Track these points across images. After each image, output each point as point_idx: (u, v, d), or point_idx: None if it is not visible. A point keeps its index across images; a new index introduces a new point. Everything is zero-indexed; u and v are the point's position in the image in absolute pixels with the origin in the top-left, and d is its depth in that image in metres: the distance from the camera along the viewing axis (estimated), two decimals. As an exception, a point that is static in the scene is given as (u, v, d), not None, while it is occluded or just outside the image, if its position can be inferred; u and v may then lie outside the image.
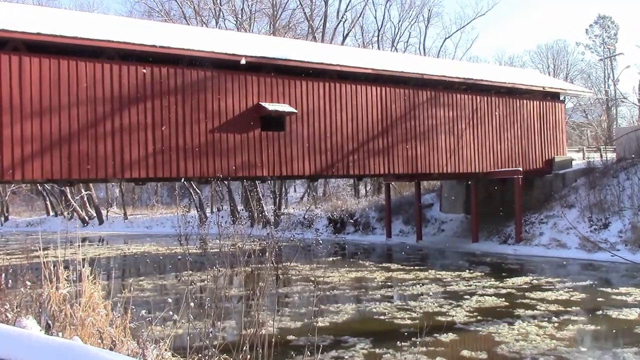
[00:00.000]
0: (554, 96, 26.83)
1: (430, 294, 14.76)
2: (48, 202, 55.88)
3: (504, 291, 14.89)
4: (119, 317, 6.91)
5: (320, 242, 23.02)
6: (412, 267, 19.63)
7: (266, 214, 37.32)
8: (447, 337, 10.50)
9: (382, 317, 12.38)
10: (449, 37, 62.59)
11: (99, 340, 6.36)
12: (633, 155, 24.08)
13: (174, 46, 16.18)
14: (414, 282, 16.70)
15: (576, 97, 45.54)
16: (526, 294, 14.46)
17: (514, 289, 15.15)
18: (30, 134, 14.13)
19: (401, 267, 19.89)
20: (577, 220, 22.54)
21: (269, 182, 34.46)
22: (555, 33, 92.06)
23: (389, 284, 16.80)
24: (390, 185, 31.10)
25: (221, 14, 44.14)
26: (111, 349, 6.15)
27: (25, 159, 14.10)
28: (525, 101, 25.33)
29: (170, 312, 6.76)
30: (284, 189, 42.19)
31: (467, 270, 18.50)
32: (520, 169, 24.32)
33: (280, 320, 11.99)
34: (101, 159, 15.15)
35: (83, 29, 15.42)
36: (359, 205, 34.31)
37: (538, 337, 10.37)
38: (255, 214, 37.31)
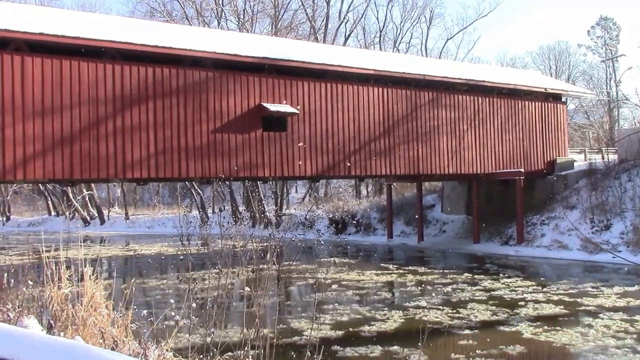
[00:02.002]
0: (555, 97, 26.82)
1: (477, 300, 13.93)
2: (50, 202, 55.92)
3: (555, 297, 14.01)
4: (120, 316, 6.91)
5: (322, 242, 23.08)
6: (440, 270, 18.92)
7: (267, 214, 37.32)
8: (515, 349, 9.78)
9: (436, 326, 11.33)
10: (450, 38, 62.42)
11: (101, 340, 6.37)
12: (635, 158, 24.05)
13: (176, 46, 16.19)
14: (453, 286, 15.85)
15: (578, 98, 45.48)
16: (578, 300, 13.67)
17: (562, 295, 14.34)
18: (32, 134, 14.15)
19: (429, 269, 19.25)
20: (578, 221, 22.52)
21: (271, 182, 34.47)
22: (557, 34, 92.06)
23: (428, 288, 15.88)
24: (392, 186, 31.08)
25: (223, 15, 44.12)
26: (113, 349, 6.15)
27: (27, 159, 14.11)
28: (527, 102, 25.31)
29: (172, 313, 6.75)
30: (285, 189, 42.18)
31: (501, 274, 17.72)
32: (522, 170, 24.30)
33: (320, 329, 11.30)
34: (103, 159, 15.17)
35: (85, 29, 15.43)
36: (360, 206, 34.30)
37: (619, 350, 9.48)
38: (257, 215, 37.31)
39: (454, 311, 12.75)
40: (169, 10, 45.00)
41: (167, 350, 6.40)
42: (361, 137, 19.96)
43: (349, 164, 19.65)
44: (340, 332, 11.20)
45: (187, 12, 43.44)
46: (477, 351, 9.66)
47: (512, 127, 24.67)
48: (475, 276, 17.54)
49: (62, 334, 6.23)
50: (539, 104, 25.76)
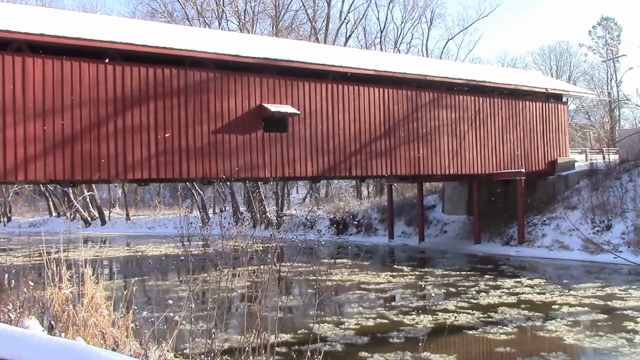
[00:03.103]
0: (556, 98, 26.81)
1: (507, 303, 13.44)
2: (51, 203, 55.93)
3: (586, 300, 13.56)
4: (121, 317, 6.92)
5: (323, 243, 23.07)
6: (456, 272, 18.49)
7: (268, 215, 37.32)
8: (557, 356, 9.34)
9: (471, 332, 10.90)
10: (451, 38, 62.36)
11: (102, 341, 6.37)
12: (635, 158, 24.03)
13: (177, 47, 16.20)
14: (476, 289, 15.43)
15: (579, 98, 45.49)
16: (609, 303, 13.26)
17: (592, 297, 13.93)
18: (33, 135, 14.15)
19: (445, 271, 18.76)
20: (579, 221, 22.51)
21: (272, 183, 34.48)
22: (558, 34, 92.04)
23: (452, 290, 15.36)
24: (393, 186, 31.06)
25: (224, 15, 44.15)
26: (114, 350, 6.15)
27: (28, 160, 14.12)
28: (527, 103, 25.30)
29: (172, 314, 6.74)
30: (286, 190, 42.18)
31: (521, 276, 17.43)
32: (523, 170, 24.29)
33: (344, 335, 10.93)
34: (104, 160, 15.17)
35: (86, 29, 15.44)
36: (361, 207, 34.30)
37: None
38: (258, 215, 37.32)
39: (486, 315, 12.29)
40: (169, 11, 45.00)
41: (167, 350, 6.40)
42: (362, 137, 19.96)
43: (350, 164, 19.64)
44: (366, 338, 10.74)
45: (188, 13, 43.47)
46: (517, 359, 9.25)
47: (512, 127, 24.65)
48: (498, 278, 17.14)
49: (63, 334, 6.23)
50: (540, 104, 25.75)
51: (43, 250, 7.58)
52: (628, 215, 21.58)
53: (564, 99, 28.10)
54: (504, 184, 25.91)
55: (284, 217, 36.87)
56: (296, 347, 9.85)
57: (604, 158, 28.81)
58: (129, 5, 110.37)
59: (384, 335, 10.89)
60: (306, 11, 45.51)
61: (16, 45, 14.17)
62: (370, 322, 11.99)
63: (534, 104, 25.50)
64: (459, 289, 15.64)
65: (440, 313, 12.61)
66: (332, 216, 33.66)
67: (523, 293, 14.79)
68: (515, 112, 24.81)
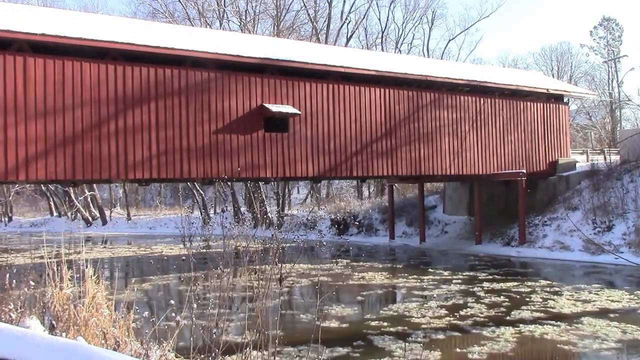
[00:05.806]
0: (557, 98, 26.79)
1: (591, 313, 12.25)
2: (52, 203, 55.96)
3: None
4: (122, 317, 6.92)
5: (324, 243, 23.04)
6: (502, 277, 17.42)
7: (269, 215, 37.31)
8: None
9: (566, 347, 9.76)
10: (452, 39, 62.64)
11: (103, 341, 6.37)
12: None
13: (178, 47, 16.21)
14: (539, 296, 14.25)
15: (580, 99, 45.36)
16: None
17: None
18: (34, 135, 14.17)
19: (489, 275, 17.76)
20: (580, 222, 22.47)
21: (273, 183, 34.46)
22: (559, 35, 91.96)
23: (514, 297, 14.22)
24: (394, 186, 31.04)
25: (225, 15, 44.13)
26: (115, 350, 6.15)
27: (30, 160, 14.13)
28: (529, 103, 25.30)
29: (173, 314, 6.73)
30: (287, 190, 42.17)
31: (577, 283, 16.25)
32: (524, 171, 24.27)
33: (411, 349, 9.71)
34: (105, 160, 15.18)
35: (87, 29, 15.46)
36: (362, 207, 34.30)
37: None
38: (259, 216, 37.31)
39: (572, 327, 10.98)
40: (171, 11, 44.97)
41: (168, 350, 6.41)
42: (363, 137, 19.95)
43: (351, 165, 19.64)
44: (437, 354, 9.38)
45: (189, 13, 43.43)
46: None
47: (514, 128, 24.65)
48: (554, 283, 16.13)
49: (64, 334, 6.24)
50: (541, 104, 25.74)
51: (44, 251, 7.58)
52: (629, 216, 21.56)
53: (565, 100, 28.07)
54: (505, 184, 25.90)
55: (285, 218, 36.85)
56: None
57: (605, 159, 28.77)
58: (130, 6, 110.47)
59: (463, 350, 9.39)
60: (307, 11, 45.50)
61: (18, 45, 14.18)
62: (441, 334, 10.67)
63: (535, 104, 25.49)
64: (522, 295, 14.52)
65: (518, 324, 11.40)
66: (333, 216, 33.65)
67: (593, 300, 13.53)
68: (517, 113, 24.81)
